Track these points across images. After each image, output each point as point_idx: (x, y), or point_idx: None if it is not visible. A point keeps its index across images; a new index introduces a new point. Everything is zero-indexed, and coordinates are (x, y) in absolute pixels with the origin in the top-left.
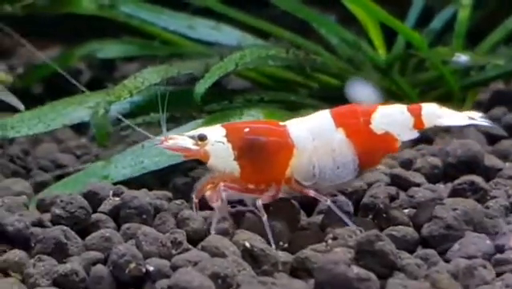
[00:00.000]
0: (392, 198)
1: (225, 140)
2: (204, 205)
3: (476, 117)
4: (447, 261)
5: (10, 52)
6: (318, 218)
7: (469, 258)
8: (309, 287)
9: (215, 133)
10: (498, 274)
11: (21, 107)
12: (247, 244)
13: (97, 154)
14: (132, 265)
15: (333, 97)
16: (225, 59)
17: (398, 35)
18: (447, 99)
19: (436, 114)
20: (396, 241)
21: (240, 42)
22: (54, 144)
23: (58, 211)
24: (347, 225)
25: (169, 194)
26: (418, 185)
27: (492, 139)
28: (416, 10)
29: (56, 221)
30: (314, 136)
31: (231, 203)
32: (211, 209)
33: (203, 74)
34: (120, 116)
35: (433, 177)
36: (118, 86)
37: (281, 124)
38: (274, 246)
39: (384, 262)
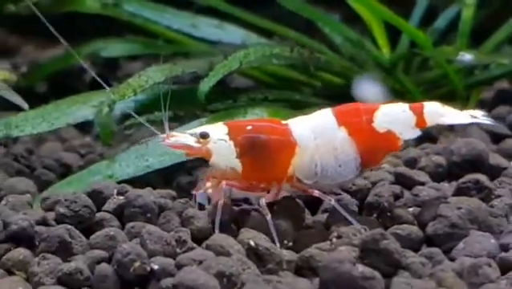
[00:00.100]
0: (397, 197)
1: (227, 137)
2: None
3: (478, 116)
4: (452, 259)
5: (13, 51)
6: (322, 217)
7: (474, 256)
8: (314, 286)
9: (217, 131)
10: (503, 273)
11: (25, 106)
12: (252, 243)
13: (101, 153)
14: (137, 264)
15: (337, 96)
16: (229, 57)
17: (402, 34)
18: (451, 97)
19: (439, 112)
20: (401, 239)
21: (244, 41)
22: (59, 143)
23: (62, 210)
24: (352, 223)
25: (174, 193)
26: (422, 183)
27: (496, 138)
28: (421, 9)
29: (60, 219)
30: (316, 135)
31: (236, 202)
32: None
33: (207, 72)
34: (132, 112)
35: (438, 175)
36: (122, 84)
37: (283, 122)
38: (278, 245)
39: (388, 261)
